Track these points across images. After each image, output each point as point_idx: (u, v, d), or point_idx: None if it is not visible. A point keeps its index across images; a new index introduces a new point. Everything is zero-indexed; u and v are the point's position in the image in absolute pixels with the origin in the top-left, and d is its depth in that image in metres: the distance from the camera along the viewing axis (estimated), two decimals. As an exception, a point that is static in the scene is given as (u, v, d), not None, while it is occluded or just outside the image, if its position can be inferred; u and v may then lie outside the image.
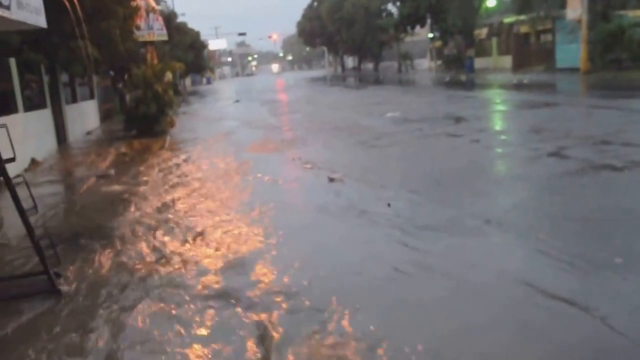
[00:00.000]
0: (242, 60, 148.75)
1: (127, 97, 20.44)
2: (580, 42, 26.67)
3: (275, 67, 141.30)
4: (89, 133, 18.56)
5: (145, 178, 9.53)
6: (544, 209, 5.98)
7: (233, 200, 7.39)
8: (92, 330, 3.85)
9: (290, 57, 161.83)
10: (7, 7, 6.12)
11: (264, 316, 3.81)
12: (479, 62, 40.40)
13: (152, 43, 21.20)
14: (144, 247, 5.65)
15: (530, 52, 35.99)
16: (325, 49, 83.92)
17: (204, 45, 57.59)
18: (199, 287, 4.46)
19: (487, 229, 5.35)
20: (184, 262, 5.07)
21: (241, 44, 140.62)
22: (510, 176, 7.94)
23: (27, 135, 11.74)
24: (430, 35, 48.93)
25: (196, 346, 3.52)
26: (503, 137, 11.46)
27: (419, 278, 4.33)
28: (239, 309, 3.97)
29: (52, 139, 14.40)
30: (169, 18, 35.87)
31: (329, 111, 20.13)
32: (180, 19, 45.02)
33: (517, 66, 35.54)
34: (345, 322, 3.63)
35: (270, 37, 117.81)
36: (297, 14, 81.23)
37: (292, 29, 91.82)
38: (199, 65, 54.47)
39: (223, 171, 9.54)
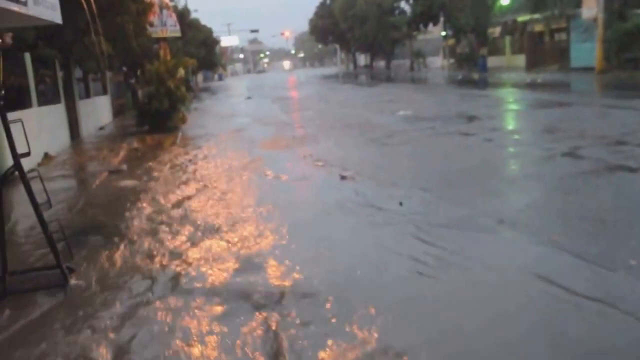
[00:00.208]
0: (254, 57, 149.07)
1: (140, 93, 20.53)
2: (596, 41, 26.45)
3: (286, 64, 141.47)
4: (101, 128, 18.65)
5: (157, 174, 9.56)
6: (557, 209, 5.93)
7: (244, 196, 7.39)
8: (103, 325, 3.86)
9: (302, 55, 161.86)
10: (24, 3, 6.15)
11: (275, 314, 3.81)
12: (492, 61, 40.19)
13: (165, 39, 21.28)
14: (156, 242, 5.66)
15: (544, 51, 35.77)
16: (337, 46, 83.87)
17: (216, 42, 57.80)
18: (210, 283, 4.46)
19: (500, 229, 5.32)
20: (197, 258, 5.07)
21: (253, 41, 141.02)
22: (523, 176, 7.89)
23: (41, 130, 11.80)
24: (443, 33, 48.69)
25: (208, 343, 3.52)
26: (516, 136, 11.39)
27: (432, 276, 4.31)
28: (250, 308, 3.97)
29: (65, 134, 14.48)
30: (182, 14, 35.93)
31: (341, 108, 20.10)
32: (193, 16, 45.10)
33: (531, 65, 35.33)
34: (366, 315, 3.62)
35: (282, 34, 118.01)
36: (309, 11, 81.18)
37: (304, 26, 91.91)
38: (211, 61, 54.62)
39: (234, 168, 9.55)
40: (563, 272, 4.16)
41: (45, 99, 13.20)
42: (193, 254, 5.23)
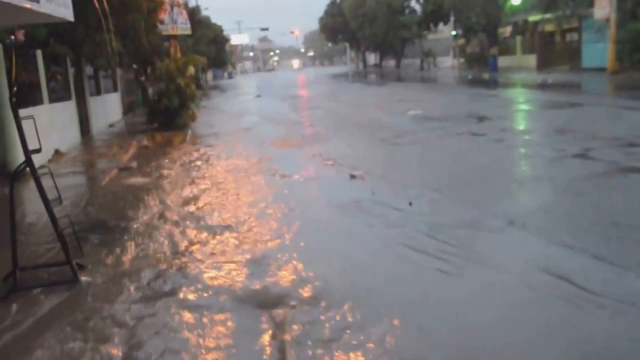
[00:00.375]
0: (263, 56, 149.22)
1: (150, 91, 20.57)
2: (608, 42, 26.27)
3: (296, 62, 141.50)
4: (111, 125, 18.71)
5: (166, 171, 9.58)
6: (568, 211, 5.89)
7: (253, 195, 7.38)
8: (113, 321, 3.86)
9: (311, 53, 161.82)
10: (37, 1, 6.16)
11: (287, 311, 3.80)
12: (502, 61, 40.02)
13: (175, 37, 21.30)
14: (165, 239, 5.66)
15: (556, 51, 35.59)
16: (347, 45, 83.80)
17: (226, 40, 57.87)
18: (219, 282, 4.46)
19: (510, 230, 5.28)
20: (205, 256, 5.07)
21: (263, 39, 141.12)
22: (534, 177, 7.83)
23: (52, 127, 11.85)
24: (454, 32, 48.59)
25: (219, 340, 3.52)
26: (527, 137, 11.32)
27: (445, 276, 4.29)
28: (260, 308, 3.96)
29: (75, 131, 14.53)
30: (193, 12, 35.98)
31: (350, 108, 20.08)
32: (203, 13, 45.16)
33: (542, 65, 35.15)
34: (384, 311, 3.61)
35: (292, 32, 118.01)
36: (319, 10, 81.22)
37: (314, 25, 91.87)
38: (221, 59, 54.73)
39: (244, 166, 9.55)
40: (575, 271, 4.12)
41: (56, 96, 13.25)
42: (202, 251, 5.23)
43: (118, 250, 5.43)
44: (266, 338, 3.50)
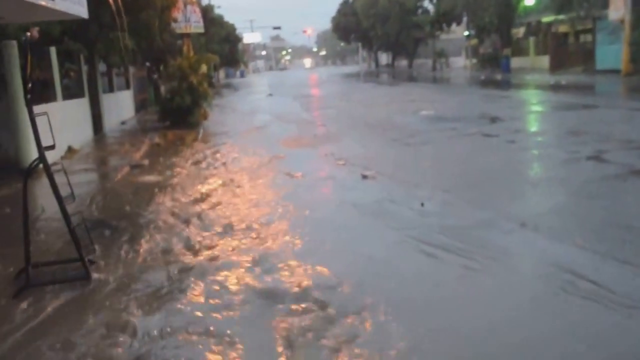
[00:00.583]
0: (276, 54, 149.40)
1: (162, 88, 20.66)
2: (623, 43, 26.06)
3: (308, 61, 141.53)
4: (123, 123, 18.80)
5: (178, 169, 9.61)
6: (582, 214, 5.85)
7: (264, 194, 7.39)
8: (123, 318, 3.88)
9: (324, 52, 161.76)
10: (51, -3, 6.21)
11: (305, 314, 3.80)
12: (515, 62, 39.81)
13: (188, 35, 21.32)
14: (176, 237, 5.67)
15: (569, 53, 35.34)
16: (359, 44, 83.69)
17: (238, 39, 57.99)
18: (233, 281, 4.47)
19: (523, 232, 5.25)
20: (217, 254, 5.08)
21: (275, 38, 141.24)
22: (546, 179, 7.78)
23: (65, 124, 11.91)
24: (466, 33, 48.38)
25: (233, 340, 3.52)
26: (539, 138, 11.25)
27: (461, 275, 4.27)
28: (274, 306, 3.96)
29: (88, 128, 14.61)
30: (206, 10, 36.09)
31: (362, 107, 20.05)
32: (216, 11, 45.30)
33: (555, 67, 34.91)
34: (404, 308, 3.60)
35: (304, 31, 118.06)
36: (332, 9, 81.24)
37: (326, 24, 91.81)
38: (233, 58, 54.85)
39: (255, 165, 9.56)
40: (590, 273, 4.09)
41: (70, 93, 13.34)
42: (213, 249, 5.23)
43: (130, 247, 5.45)
44: (280, 337, 3.50)
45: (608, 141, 9.61)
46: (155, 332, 3.66)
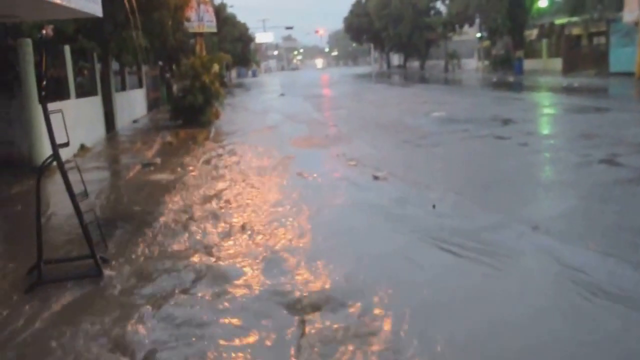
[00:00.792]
0: (287, 54, 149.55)
1: (175, 87, 20.73)
2: (637, 46, 25.86)
3: (319, 62, 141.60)
4: (136, 121, 18.88)
5: (190, 168, 9.63)
6: (594, 218, 5.80)
7: (275, 194, 7.40)
8: (134, 315, 3.89)
9: (335, 53, 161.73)
10: (67, -4, 6.25)
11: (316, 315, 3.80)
12: (527, 64, 39.59)
13: (201, 34, 21.39)
14: (187, 235, 5.69)
15: (582, 55, 35.10)
16: (371, 45, 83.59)
17: (251, 39, 58.09)
18: (244, 279, 4.47)
19: (535, 235, 5.22)
20: (229, 252, 5.10)
21: (287, 38, 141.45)
22: (559, 182, 7.73)
23: (78, 121, 11.98)
24: (479, 34, 48.23)
25: (244, 340, 3.53)
26: (552, 141, 11.18)
27: (476, 277, 4.26)
28: (284, 308, 3.97)
29: (101, 126, 14.69)
30: (218, 10, 36.19)
31: (374, 108, 20.03)
32: (228, 11, 45.41)
33: (568, 69, 34.69)
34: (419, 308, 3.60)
35: (316, 31, 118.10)
36: (344, 9, 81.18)
37: (339, 24, 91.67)
38: (246, 58, 54.96)
39: (267, 164, 9.56)
40: (603, 278, 4.07)
41: (83, 91, 13.41)
42: (224, 248, 5.25)
43: (141, 245, 5.47)
44: (291, 338, 3.50)
45: (621, 144, 9.53)
46: (165, 333, 3.67)
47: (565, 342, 3.34)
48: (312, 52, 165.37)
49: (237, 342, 3.49)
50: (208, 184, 8.25)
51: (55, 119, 4.61)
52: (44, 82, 4.76)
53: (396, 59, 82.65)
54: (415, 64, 70.42)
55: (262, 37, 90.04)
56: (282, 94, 31.50)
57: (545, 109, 17.37)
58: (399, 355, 3.23)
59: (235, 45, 44.74)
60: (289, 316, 3.78)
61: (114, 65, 17.11)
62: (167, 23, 14.36)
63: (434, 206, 6.27)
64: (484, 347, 3.33)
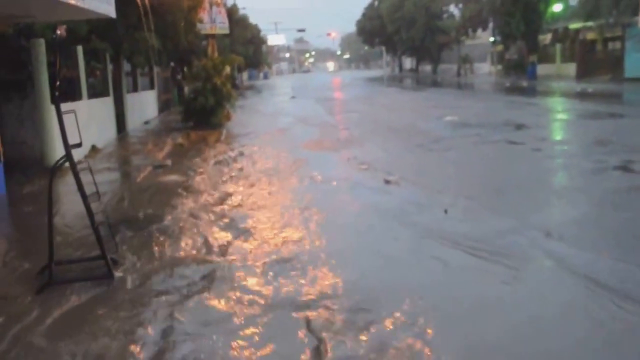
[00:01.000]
0: (299, 57, 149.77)
1: (186, 89, 20.79)
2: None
3: (331, 65, 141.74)
4: (147, 122, 18.94)
5: (201, 170, 9.64)
6: (608, 225, 5.73)
7: (286, 197, 7.38)
8: (145, 318, 3.88)
9: (347, 56, 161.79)
10: (80, -3, 6.26)
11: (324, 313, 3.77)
12: (541, 69, 39.36)
13: (213, 36, 21.44)
14: (198, 237, 5.68)
15: (596, 60, 34.84)
16: (383, 48, 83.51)
17: (263, 41, 58.23)
18: (255, 282, 4.45)
19: (547, 242, 5.16)
20: (240, 254, 5.07)
21: (299, 40, 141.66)
22: (572, 188, 7.66)
23: (90, 122, 12.03)
24: (492, 39, 48.02)
25: (254, 344, 3.50)
26: (565, 147, 11.09)
27: (491, 283, 4.21)
28: (296, 314, 3.94)
29: (112, 127, 14.74)
30: (231, 11, 36.27)
31: (386, 112, 19.98)
32: (241, 13, 45.51)
33: (582, 74, 34.46)
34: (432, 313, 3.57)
35: (328, 34, 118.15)
36: (356, 12, 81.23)
37: (351, 27, 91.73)
38: (257, 60, 55.10)
39: (278, 168, 9.55)
40: (616, 284, 4.01)
41: (95, 92, 13.46)
42: (235, 250, 5.22)
43: (152, 246, 5.46)
44: (302, 339, 3.48)
45: (635, 151, 9.42)
46: (174, 333, 3.65)
47: (582, 347, 3.29)
48: (324, 54, 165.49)
49: (251, 349, 3.47)
50: (219, 186, 8.24)
51: (67, 120, 4.61)
52: (57, 83, 4.75)
53: (408, 62, 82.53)
54: (427, 67, 70.27)
55: (274, 40, 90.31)
56: (294, 97, 31.52)
57: (559, 115, 17.25)
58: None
59: (247, 48, 44.85)
60: (298, 320, 3.75)
61: (126, 67, 17.18)
62: (179, 24, 14.39)
63: (445, 211, 6.22)
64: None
